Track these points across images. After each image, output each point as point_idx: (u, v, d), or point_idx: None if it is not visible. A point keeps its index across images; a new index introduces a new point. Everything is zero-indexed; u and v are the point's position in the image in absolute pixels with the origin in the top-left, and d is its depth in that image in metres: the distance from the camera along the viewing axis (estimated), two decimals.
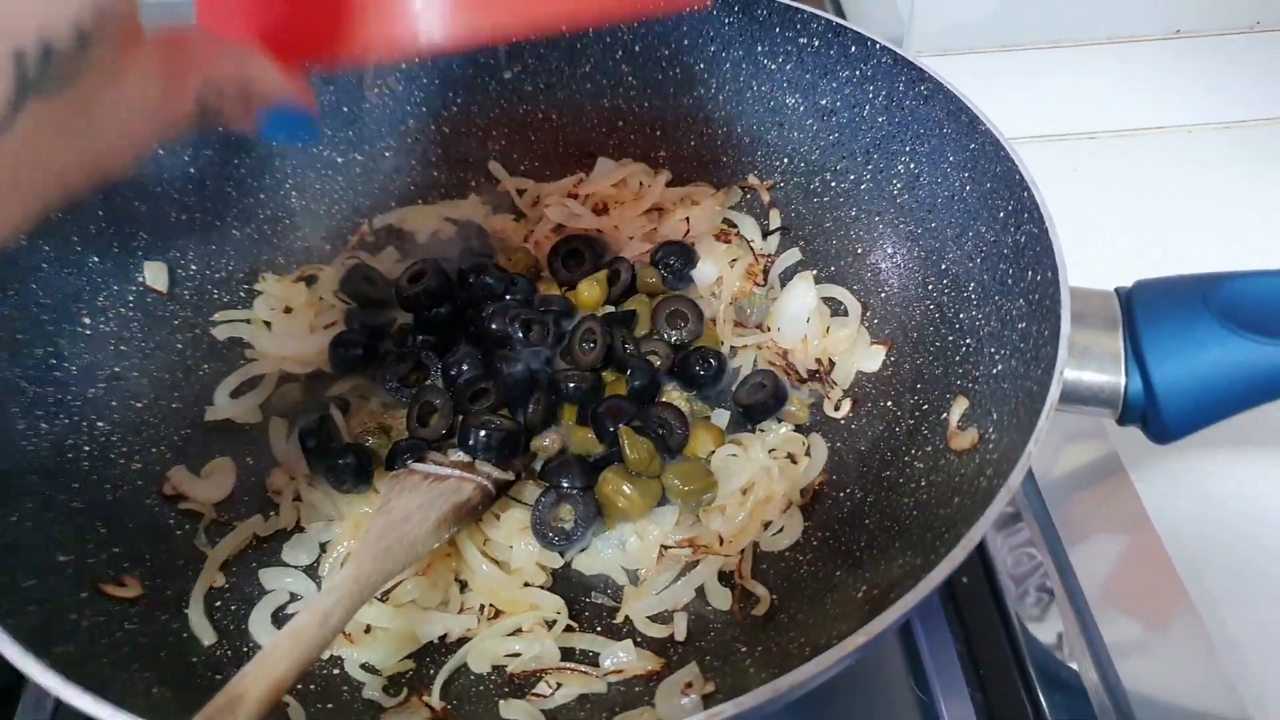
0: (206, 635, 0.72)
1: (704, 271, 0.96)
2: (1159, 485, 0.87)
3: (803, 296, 0.91)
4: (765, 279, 0.96)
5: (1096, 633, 0.79)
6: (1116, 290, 0.70)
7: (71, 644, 0.60)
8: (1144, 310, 0.67)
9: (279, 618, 0.75)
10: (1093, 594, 0.81)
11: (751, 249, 0.98)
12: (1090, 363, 0.67)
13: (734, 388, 0.88)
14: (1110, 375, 0.67)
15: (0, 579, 0.60)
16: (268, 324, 0.93)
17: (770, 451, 0.83)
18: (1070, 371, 0.66)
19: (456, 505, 0.73)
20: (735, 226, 1.00)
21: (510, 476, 0.79)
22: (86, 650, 0.62)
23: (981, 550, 0.86)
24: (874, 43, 0.89)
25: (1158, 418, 0.65)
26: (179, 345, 0.90)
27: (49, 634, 0.57)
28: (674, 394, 0.89)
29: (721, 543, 0.77)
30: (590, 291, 0.92)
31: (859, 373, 0.87)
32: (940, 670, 0.80)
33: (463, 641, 0.74)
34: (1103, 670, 0.78)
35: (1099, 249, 0.80)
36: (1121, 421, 0.68)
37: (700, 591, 0.76)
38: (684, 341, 0.90)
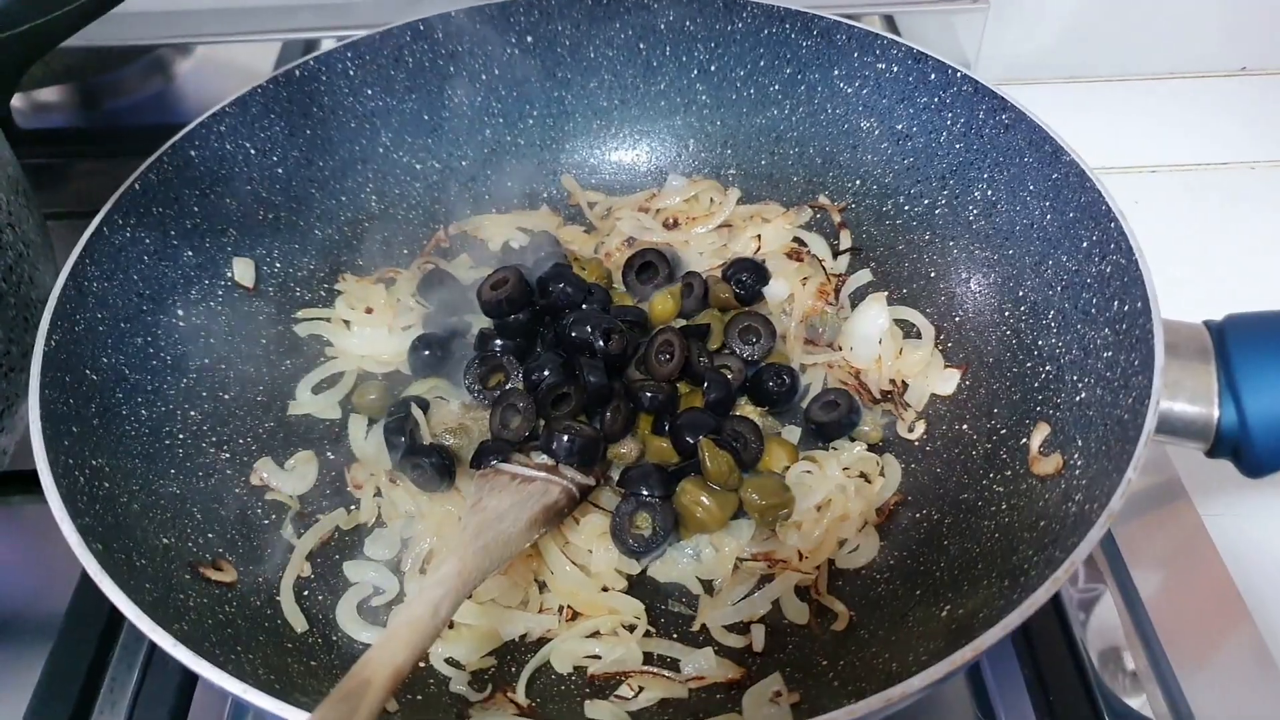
0: (299, 623, 0.73)
1: (775, 289, 0.98)
2: (1233, 532, 0.87)
3: (875, 317, 0.92)
4: (837, 298, 0.97)
5: (1173, 679, 0.79)
6: (1206, 323, 0.71)
7: (184, 622, 0.62)
8: (1237, 343, 0.68)
9: (364, 609, 0.77)
10: (1169, 643, 0.81)
11: (823, 268, 0.99)
12: (1182, 394, 0.68)
13: (805, 404, 0.90)
14: (1202, 407, 0.68)
15: (120, 558, 0.62)
16: (347, 323, 0.95)
17: (844, 470, 0.84)
18: (1163, 402, 0.67)
19: (546, 507, 0.74)
20: (805, 245, 1.01)
21: (591, 481, 0.81)
22: (197, 629, 0.64)
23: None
24: (955, 70, 0.91)
25: (1251, 451, 0.66)
26: (263, 340, 0.92)
27: (166, 611, 0.59)
28: (746, 409, 0.90)
29: (801, 558, 0.78)
30: (664, 304, 0.94)
31: (933, 395, 0.88)
32: (1006, 699, 0.79)
33: (542, 641, 0.75)
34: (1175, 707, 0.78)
35: (1163, 282, 0.81)
36: (1212, 454, 0.69)
37: (777, 605, 0.77)
38: (756, 357, 0.91)
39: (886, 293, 0.95)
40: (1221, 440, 0.67)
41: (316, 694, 0.66)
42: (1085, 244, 0.78)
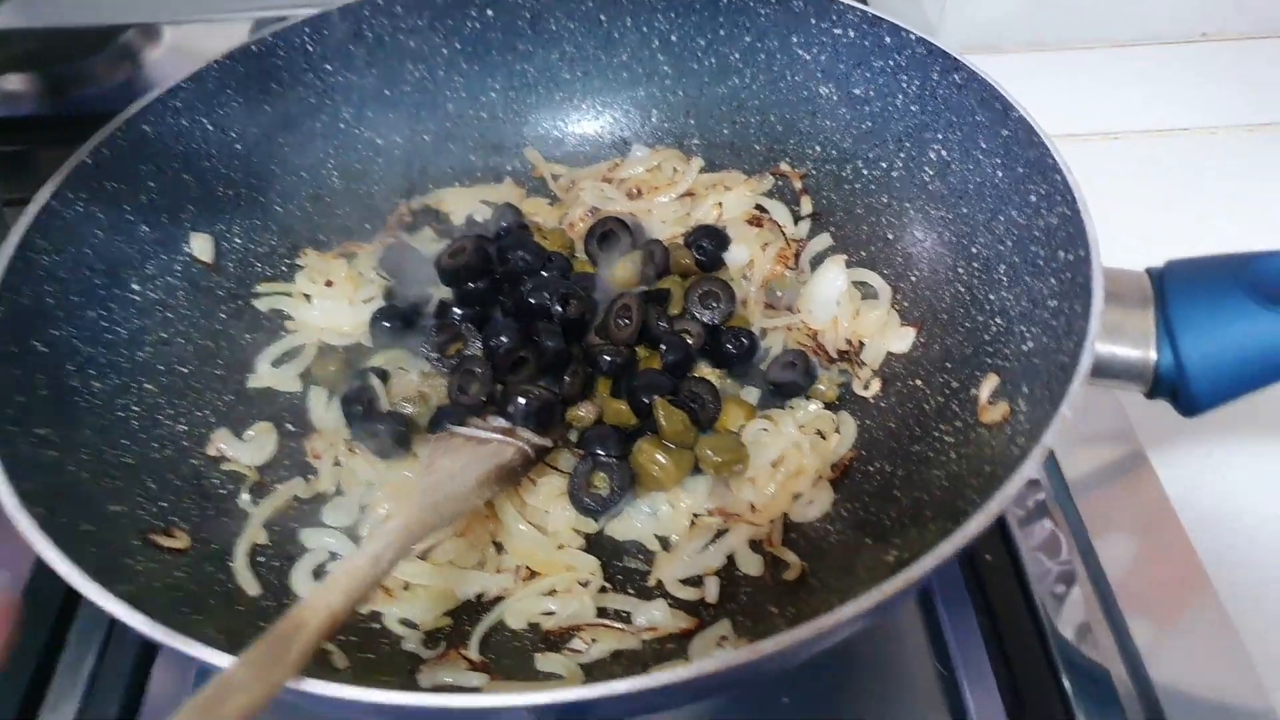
0: (251, 587, 0.74)
1: (736, 254, 0.98)
2: (1183, 476, 0.88)
3: (834, 280, 0.93)
4: (796, 263, 0.98)
5: (1120, 618, 0.80)
6: (1148, 270, 0.72)
7: (130, 585, 0.63)
8: (1175, 287, 0.68)
9: (319, 575, 0.77)
10: (1117, 582, 0.82)
11: (783, 233, 0.99)
12: (1123, 338, 0.69)
13: (764, 366, 0.90)
14: (1142, 350, 0.69)
15: (63, 522, 0.62)
16: (308, 297, 0.95)
17: (800, 427, 0.84)
18: (1103, 346, 0.68)
19: (498, 466, 0.75)
20: (766, 212, 1.02)
21: (548, 443, 0.81)
22: (143, 592, 0.64)
23: (1005, 530, 0.87)
24: (909, 33, 0.91)
25: (1187, 391, 0.67)
26: (223, 315, 0.92)
27: (110, 574, 0.59)
28: (706, 371, 0.91)
29: (753, 510, 0.78)
30: (625, 271, 0.94)
31: (889, 353, 0.89)
32: (962, 646, 0.81)
33: (499, 601, 0.76)
34: (1127, 653, 0.79)
35: (1123, 243, 0.81)
36: (1151, 395, 0.70)
37: (731, 558, 0.77)
38: (716, 321, 0.91)
39: (845, 256, 0.95)
40: (1160, 382, 0.68)
41: None
42: (1034, 198, 0.79)
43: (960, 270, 0.86)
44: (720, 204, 1.02)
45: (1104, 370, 0.69)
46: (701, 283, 0.93)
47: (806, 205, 1.01)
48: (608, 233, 0.99)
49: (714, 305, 0.92)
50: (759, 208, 1.02)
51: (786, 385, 0.87)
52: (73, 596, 0.74)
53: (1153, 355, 0.68)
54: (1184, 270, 0.70)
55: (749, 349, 0.89)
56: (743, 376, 0.91)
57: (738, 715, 0.77)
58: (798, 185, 1.02)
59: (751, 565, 0.76)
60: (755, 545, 0.78)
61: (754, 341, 0.90)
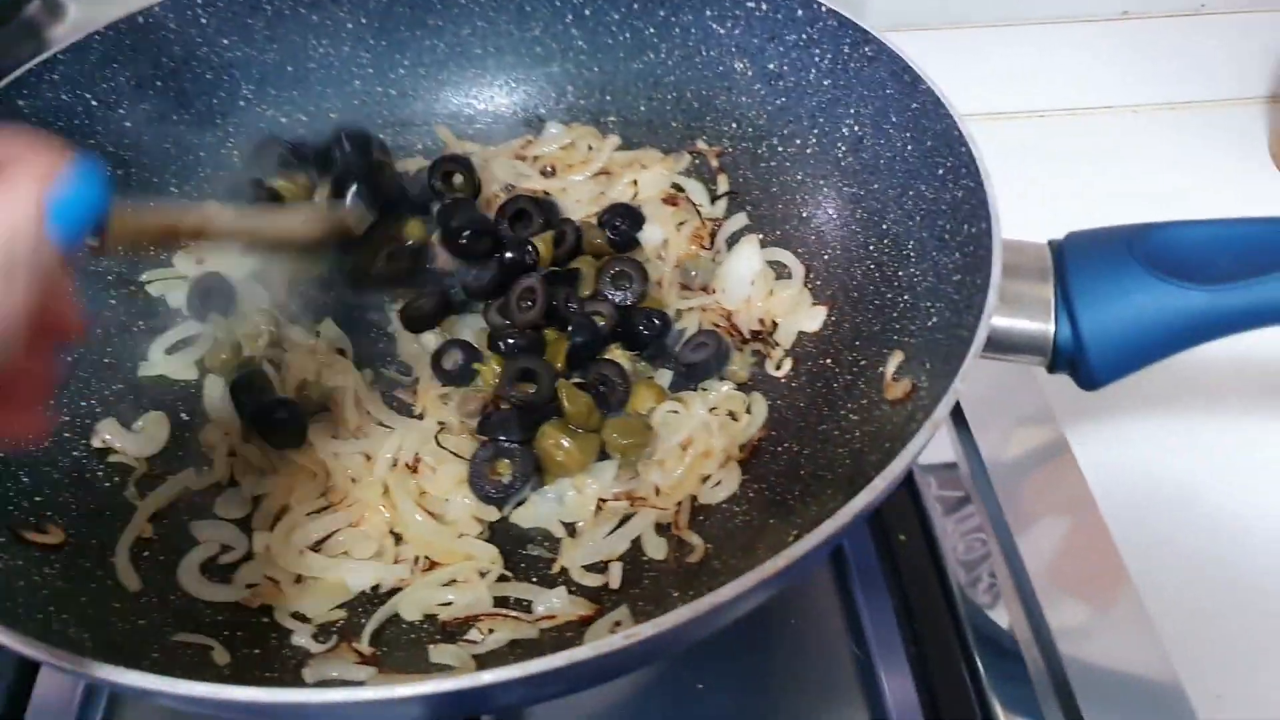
0: (132, 583, 0.71)
1: (650, 234, 0.96)
2: (1098, 458, 0.88)
3: (748, 259, 0.91)
4: (712, 243, 0.96)
5: (1033, 596, 0.80)
6: (1050, 242, 0.71)
7: None
8: (1074, 259, 0.68)
9: (208, 568, 0.74)
10: (1032, 560, 0.82)
11: (698, 213, 0.97)
12: (1022, 311, 0.68)
13: (677, 348, 0.88)
14: (1040, 323, 0.68)
15: None
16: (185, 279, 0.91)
17: (712, 410, 0.82)
18: (1002, 320, 0.67)
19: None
20: (683, 191, 0.99)
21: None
22: (2, 590, 0.60)
23: (921, 512, 0.86)
24: (820, 5, 0.89)
25: (1085, 363, 0.66)
26: (112, 301, 0.88)
27: None
28: (618, 354, 0.88)
29: (658, 494, 0.77)
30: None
31: (800, 333, 0.87)
32: (877, 628, 0.80)
33: (395, 592, 0.73)
34: (1039, 635, 0.78)
35: (1040, 217, 0.81)
36: (1051, 369, 0.69)
37: (637, 542, 0.75)
38: (629, 302, 0.89)
39: (761, 235, 0.94)
40: (1058, 355, 0.67)
41: (140, 654, 0.63)
42: (941, 171, 0.77)
43: (871, 247, 0.85)
44: (636, 182, 1.00)
45: (1004, 344, 0.68)
46: (614, 263, 0.91)
47: (723, 183, 0.99)
48: (520, 211, 0.96)
49: (626, 286, 0.90)
50: (675, 186, 1.00)
51: (698, 366, 0.85)
52: None
53: (1051, 327, 0.67)
54: (1083, 242, 0.69)
55: (662, 329, 0.87)
56: (656, 358, 0.89)
57: (656, 703, 0.76)
58: (714, 163, 1.00)
59: (657, 549, 0.75)
60: (662, 529, 0.76)
61: (667, 322, 0.88)
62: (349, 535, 0.75)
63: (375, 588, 0.74)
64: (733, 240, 0.95)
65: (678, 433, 0.80)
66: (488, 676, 0.47)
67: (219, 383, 0.86)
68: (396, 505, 0.76)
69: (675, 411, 0.82)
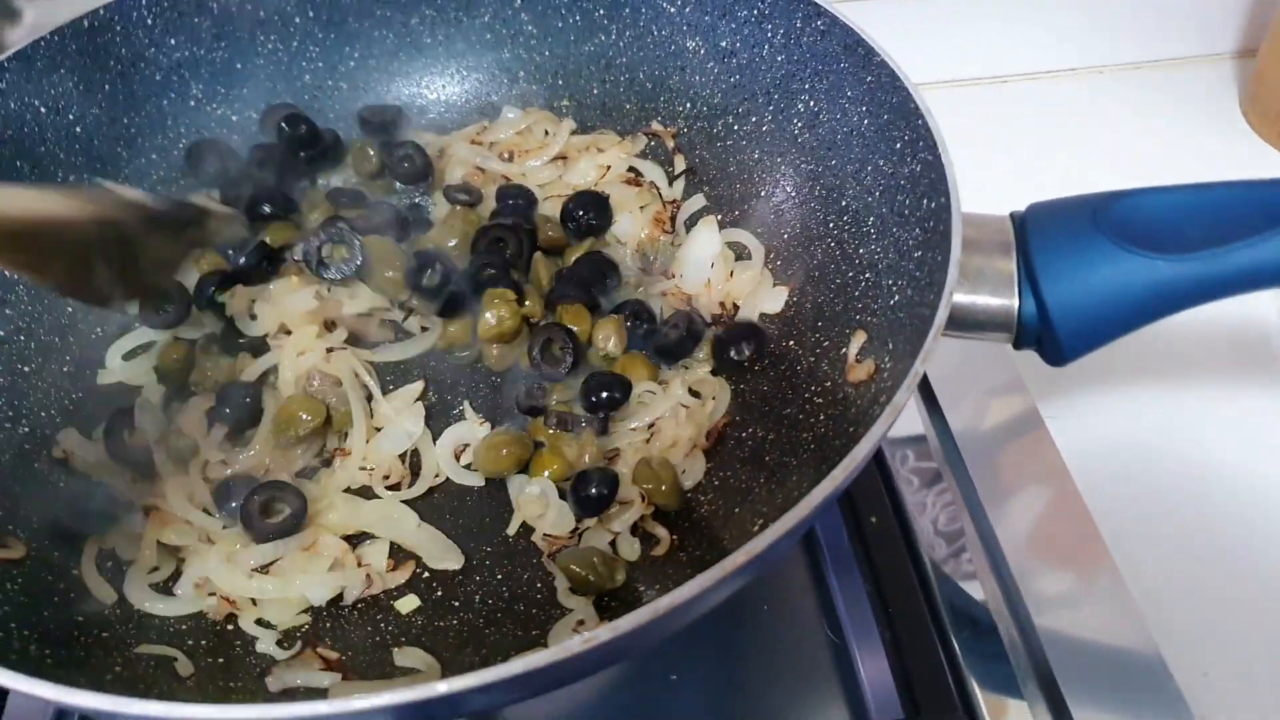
0: (106, 594, 0.70)
1: (623, 226, 0.95)
2: (1072, 432, 0.88)
3: (707, 242, 0.90)
4: (672, 225, 0.95)
5: (1008, 572, 0.79)
6: (1011, 214, 0.70)
7: None
8: (1036, 231, 0.66)
9: (158, 586, 0.73)
10: (1006, 536, 0.81)
11: (660, 195, 0.96)
12: (984, 286, 0.67)
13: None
14: (1003, 298, 0.66)
15: None
16: None
17: (691, 391, 0.82)
18: (964, 296, 0.66)
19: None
20: (641, 174, 0.98)
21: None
22: None
23: (892, 493, 0.86)
24: None
25: (1052, 339, 0.65)
26: (69, 309, 0.87)
27: None
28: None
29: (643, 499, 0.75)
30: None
31: (762, 315, 0.86)
32: (851, 612, 0.80)
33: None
34: (1016, 613, 0.78)
35: (1003, 186, 0.80)
36: (1017, 345, 0.68)
37: (612, 544, 0.75)
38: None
39: (719, 215, 0.93)
40: (1023, 330, 0.66)
41: (103, 668, 0.63)
42: (899, 145, 0.76)
43: (831, 225, 0.84)
44: (608, 167, 0.98)
45: (967, 321, 0.67)
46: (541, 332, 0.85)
47: (680, 163, 0.98)
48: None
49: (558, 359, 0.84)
50: (633, 170, 0.99)
51: (671, 348, 0.84)
52: None
53: (1015, 302, 0.66)
54: (1044, 213, 0.68)
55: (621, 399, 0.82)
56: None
57: (627, 695, 0.76)
58: (670, 144, 0.99)
59: (630, 550, 0.74)
60: (633, 527, 0.75)
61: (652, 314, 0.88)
62: (294, 559, 0.73)
63: (337, 598, 0.73)
64: (691, 223, 0.94)
65: (649, 415, 0.79)
66: (443, 687, 0.46)
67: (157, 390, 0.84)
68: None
69: (652, 392, 0.81)
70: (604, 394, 0.79)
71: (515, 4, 1.01)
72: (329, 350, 0.83)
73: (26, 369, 0.82)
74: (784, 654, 0.80)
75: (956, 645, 0.77)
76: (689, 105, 0.98)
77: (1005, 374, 0.93)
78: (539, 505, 0.75)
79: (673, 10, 0.96)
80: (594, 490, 0.74)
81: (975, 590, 0.81)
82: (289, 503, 0.73)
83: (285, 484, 0.75)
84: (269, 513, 0.73)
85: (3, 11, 1.37)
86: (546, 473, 0.76)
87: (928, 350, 0.59)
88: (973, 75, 1.26)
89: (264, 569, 0.72)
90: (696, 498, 0.77)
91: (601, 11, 0.99)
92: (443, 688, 0.46)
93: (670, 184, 0.97)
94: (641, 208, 0.95)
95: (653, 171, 0.98)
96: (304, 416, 0.79)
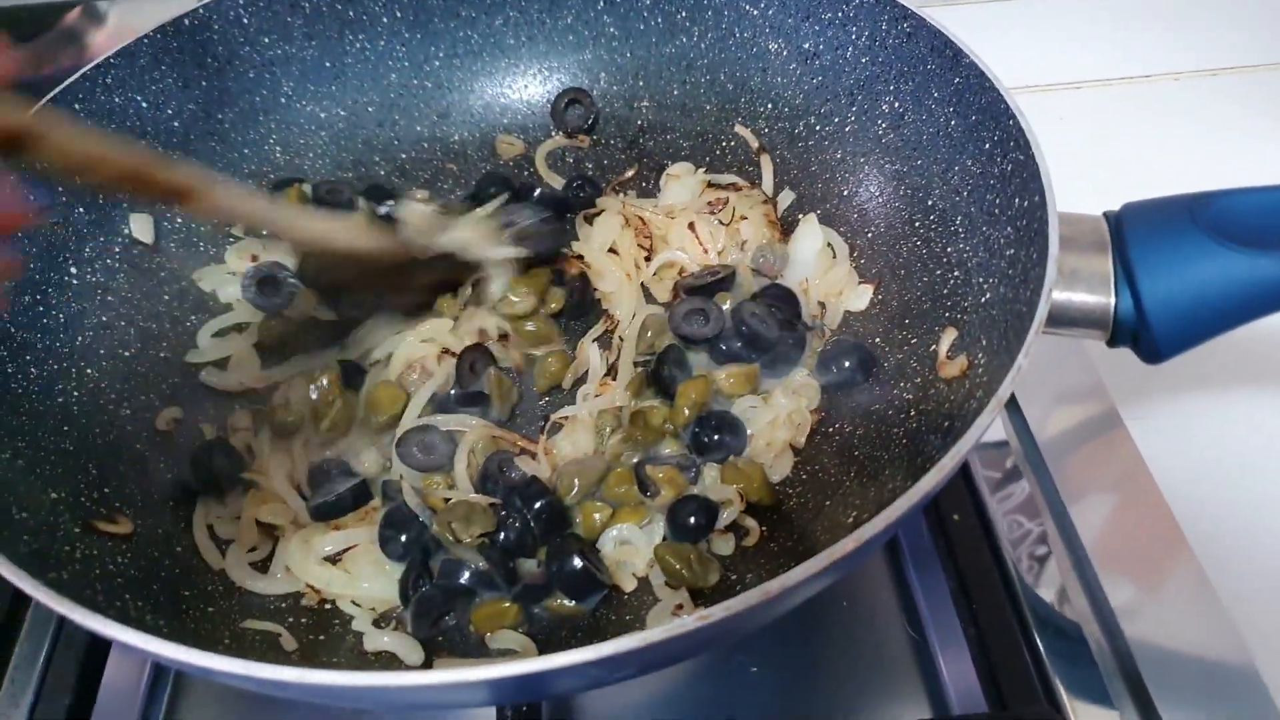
0: (215, 560, 0.73)
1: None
2: (1155, 435, 0.87)
3: (809, 237, 0.90)
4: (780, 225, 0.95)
5: (1094, 576, 0.79)
6: (1105, 214, 0.70)
7: (65, 571, 0.61)
8: (1133, 230, 0.67)
9: (257, 565, 0.75)
10: (1091, 540, 0.81)
11: (764, 193, 0.97)
12: (1080, 284, 0.67)
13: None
14: (1100, 296, 0.67)
15: None
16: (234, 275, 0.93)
17: (794, 394, 0.82)
18: (1060, 293, 0.66)
19: None
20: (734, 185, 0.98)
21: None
22: (80, 579, 0.62)
23: (974, 492, 0.86)
24: None
25: (1148, 336, 0.65)
26: (165, 296, 0.90)
27: (43, 561, 0.58)
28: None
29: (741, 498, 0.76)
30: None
31: (847, 312, 0.87)
32: (933, 609, 0.80)
33: None
34: (1101, 616, 0.78)
35: (1084, 191, 0.80)
36: (1112, 343, 0.68)
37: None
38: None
39: (816, 213, 0.93)
40: (1120, 328, 0.66)
41: (213, 639, 0.65)
42: (988, 145, 0.77)
43: (917, 223, 0.85)
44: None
45: (1063, 318, 0.67)
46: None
47: (766, 164, 0.99)
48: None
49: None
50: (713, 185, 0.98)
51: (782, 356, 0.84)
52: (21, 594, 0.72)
53: (1111, 300, 0.66)
54: (1141, 212, 0.68)
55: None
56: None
57: (709, 687, 0.76)
58: (754, 144, 1.00)
59: (725, 546, 0.74)
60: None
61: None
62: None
63: None
64: (787, 220, 0.95)
65: (751, 429, 0.80)
66: (560, 659, 0.47)
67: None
68: None
69: (754, 406, 0.82)
70: (715, 436, 0.79)
71: (598, 6, 1.03)
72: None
73: (127, 354, 0.84)
74: (863, 649, 0.80)
75: (1041, 648, 0.76)
76: (770, 106, 0.99)
77: (1085, 376, 0.92)
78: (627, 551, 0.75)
79: (755, 13, 0.97)
80: (693, 520, 0.74)
81: (1058, 592, 0.80)
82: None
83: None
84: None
85: (89, 14, 1.42)
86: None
87: (1029, 345, 0.60)
88: (1045, 81, 1.26)
89: (334, 559, 0.74)
90: (785, 491, 0.77)
91: (684, 14, 1.01)
92: (560, 660, 0.47)
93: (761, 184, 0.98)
94: (750, 209, 0.95)
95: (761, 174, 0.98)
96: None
